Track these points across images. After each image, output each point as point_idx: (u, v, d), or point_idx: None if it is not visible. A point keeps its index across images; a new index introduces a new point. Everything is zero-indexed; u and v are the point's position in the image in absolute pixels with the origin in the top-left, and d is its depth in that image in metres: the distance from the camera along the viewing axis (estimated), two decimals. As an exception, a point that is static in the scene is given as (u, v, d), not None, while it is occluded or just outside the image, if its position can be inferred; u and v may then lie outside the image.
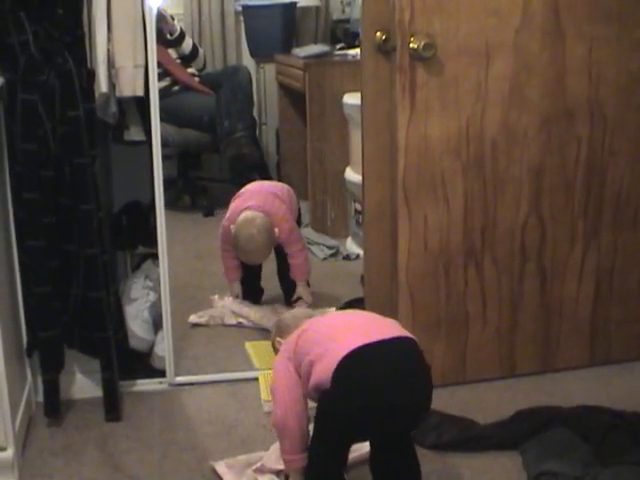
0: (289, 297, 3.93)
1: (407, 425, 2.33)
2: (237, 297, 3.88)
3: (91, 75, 2.90)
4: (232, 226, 3.72)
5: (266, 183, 4.19)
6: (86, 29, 2.89)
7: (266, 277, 4.00)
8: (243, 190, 3.91)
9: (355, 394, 2.20)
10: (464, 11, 2.92)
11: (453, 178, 3.05)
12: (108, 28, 2.92)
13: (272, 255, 3.90)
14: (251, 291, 3.95)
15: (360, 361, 2.21)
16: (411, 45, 2.87)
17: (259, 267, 3.95)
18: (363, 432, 2.31)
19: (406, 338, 2.30)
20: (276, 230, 3.72)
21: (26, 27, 2.72)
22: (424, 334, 2.97)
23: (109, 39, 2.93)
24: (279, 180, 4.86)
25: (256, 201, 3.78)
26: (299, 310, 2.84)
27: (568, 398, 3.06)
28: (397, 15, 2.86)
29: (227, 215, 3.82)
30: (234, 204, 3.83)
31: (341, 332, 2.31)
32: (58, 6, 2.75)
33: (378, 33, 3.04)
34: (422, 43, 2.85)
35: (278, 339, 2.65)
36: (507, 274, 3.21)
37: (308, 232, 4.59)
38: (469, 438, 2.83)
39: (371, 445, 2.45)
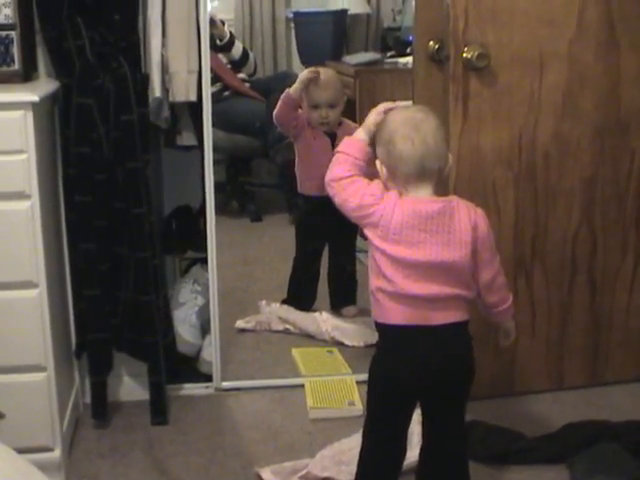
0: (336, 300, 3.93)
1: (448, 391, 2.33)
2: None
3: (145, 80, 2.92)
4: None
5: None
6: (141, 34, 2.92)
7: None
8: None
9: (391, 361, 2.28)
10: (518, 21, 2.91)
11: (505, 188, 3.04)
12: (163, 33, 2.95)
13: (325, 259, 3.91)
14: (303, 297, 3.95)
15: (405, 339, 2.26)
16: (464, 55, 2.86)
17: (317, 272, 3.96)
18: (403, 391, 2.30)
19: (456, 324, 2.29)
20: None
21: (82, 32, 2.75)
22: (473, 344, 2.95)
23: (163, 44, 2.96)
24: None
25: None
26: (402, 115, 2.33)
27: (617, 412, 3.04)
28: (451, 25, 2.85)
29: None
30: None
31: (410, 278, 2.22)
32: (114, 12, 2.78)
33: (431, 42, 3.03)
34: (476, 53, 2.84)
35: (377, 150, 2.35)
36: (557, 285, 3.19)
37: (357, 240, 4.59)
38: (516, 450, 2.81)
39: (424, 439, 2.44)
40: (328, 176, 2.35)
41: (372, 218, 2.24)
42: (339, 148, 2.37)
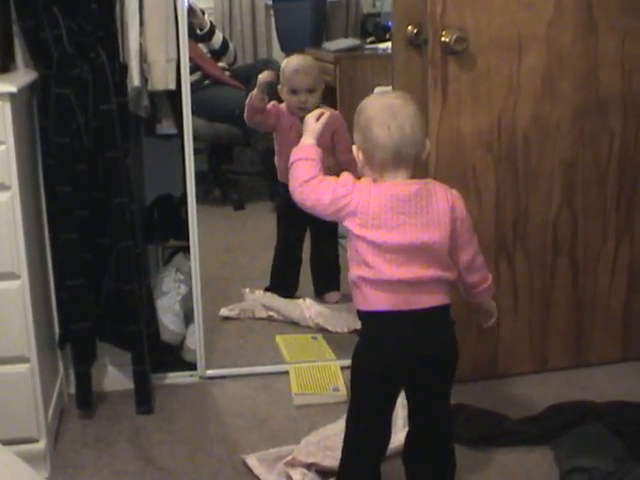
0: (319, 287, 3.94)
1: (433, 376, 2.32)
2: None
3: (124, 69, 2.91)
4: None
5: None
6: (119, 23, 2.90)
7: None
8: None
9: (375, 348, 2.27)
10: (496, 4, 2.91)
11: (485, 172, 3.04)
12: (140, 22, 2.94)
13: (307, 246, 3.92)
14: (286, 284, 3.95)
15: (388, 325, 2.25)
16: (443, 39, 2.86)
17: (299, 259, 3.96)
18: (387, 379, 2.30)
19: (439, 308, 2.29)
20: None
21: (60, 22, 2.73)
22: (455, 328, 2.96)
23: (141, 33, 2.95)
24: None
25: None
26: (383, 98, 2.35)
27: (600, 393, 3.05)
28: (429, 9, 2.85)
29: None
30: None
31: (393, 263, 2.21)
32: (91, 1, 2.76)
33: (409, 26, 3.03)
34: (454, 37, 2.84)
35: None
36: (539, 268, 3.20)
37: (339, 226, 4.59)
38: (501, 433, 2.83)
39: (410, 423, 2.45)
40: (292, 184, 2.33)
41: (349, 208, 2.24)
42: (292, 158, 2.36)
